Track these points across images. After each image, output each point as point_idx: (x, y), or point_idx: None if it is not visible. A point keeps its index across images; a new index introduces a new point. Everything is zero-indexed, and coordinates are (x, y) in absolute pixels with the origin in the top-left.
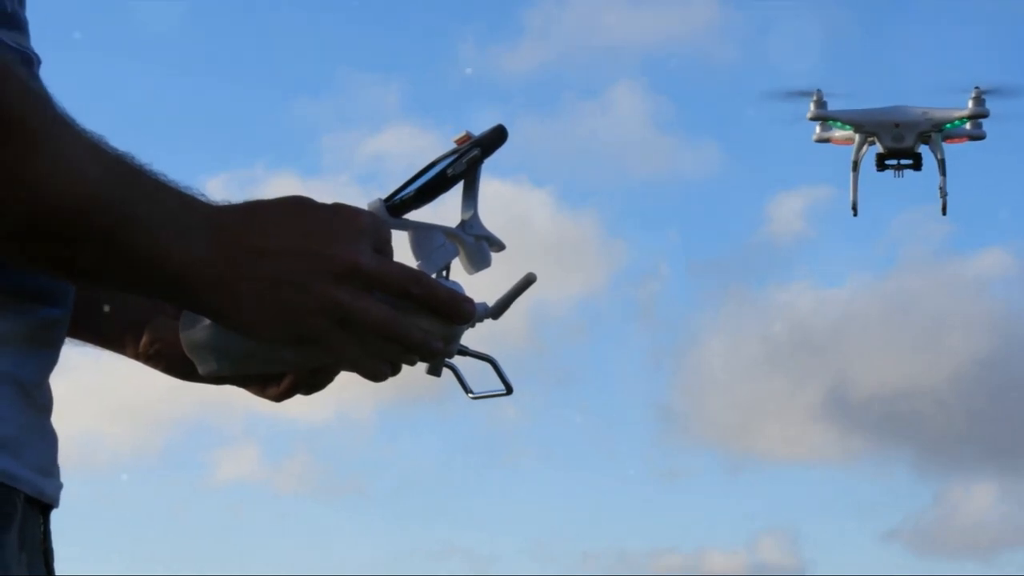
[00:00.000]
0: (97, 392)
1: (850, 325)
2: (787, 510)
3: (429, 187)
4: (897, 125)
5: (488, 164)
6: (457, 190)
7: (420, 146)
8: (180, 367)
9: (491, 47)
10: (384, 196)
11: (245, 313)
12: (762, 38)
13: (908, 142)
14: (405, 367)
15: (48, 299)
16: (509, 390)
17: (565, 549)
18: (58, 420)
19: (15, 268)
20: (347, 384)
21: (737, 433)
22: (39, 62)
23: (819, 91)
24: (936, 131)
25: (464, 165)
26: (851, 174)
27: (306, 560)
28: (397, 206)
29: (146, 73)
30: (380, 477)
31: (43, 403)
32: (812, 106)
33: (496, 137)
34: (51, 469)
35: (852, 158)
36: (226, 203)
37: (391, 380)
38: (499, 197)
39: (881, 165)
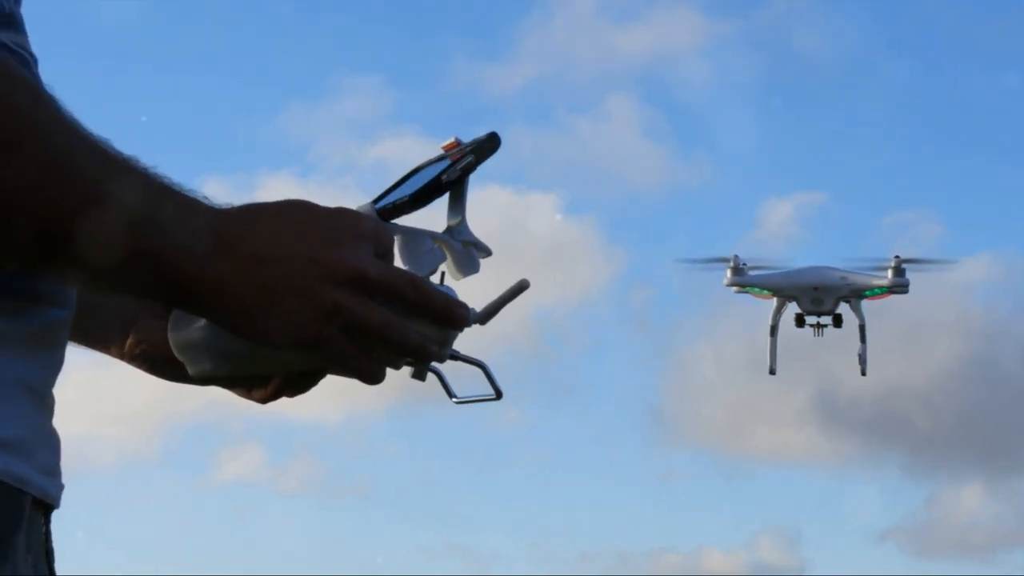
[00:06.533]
0: (100, 392)
1: (843, 327)
2: (785, 511)
3: (424, 193)
4: (816, 288)
5: (488, 172)
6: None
7: (418, 153)
8: (165, 368)
9: (486, 60)
10: (371, 200)
11: (249, 318)
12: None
13: (827, 306)
14: (389, 371)
15: (53, 300)
16: (499, 395)
17: (564, 549)
18: (61, 421)
19: (17, 271)
20: (351, 388)
21: (734, 435)
22: (36, 62)
23: (736, 257)
24: (856, 297)
25: (458, 172)
26: (769, 339)
27: (308, 560)
28: (389, 210)
29: (146, 75)
30: (382, 478)
31: (49, 405)
32: (729, 273)
33: (490, 144)
34: (55, 470)
35: (770, 322)
36: (228, 206)
37: (394, 384)
38: (499, 205)
39: (800, 322)
